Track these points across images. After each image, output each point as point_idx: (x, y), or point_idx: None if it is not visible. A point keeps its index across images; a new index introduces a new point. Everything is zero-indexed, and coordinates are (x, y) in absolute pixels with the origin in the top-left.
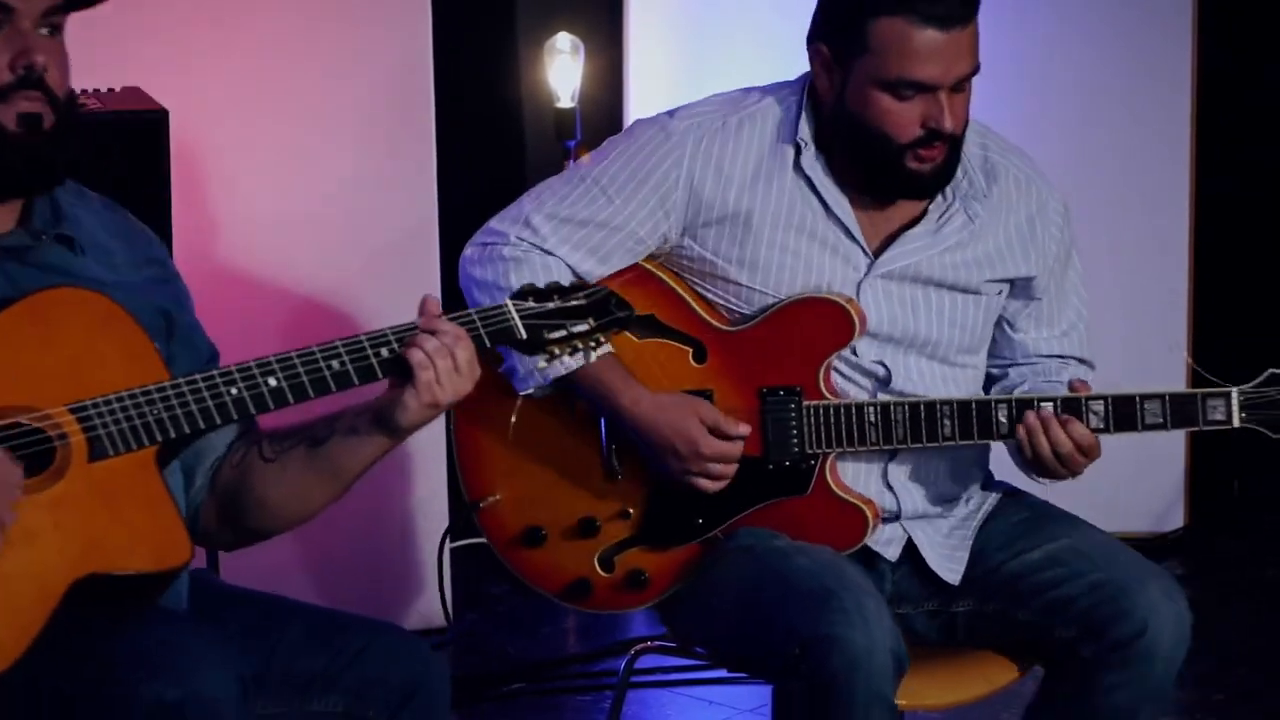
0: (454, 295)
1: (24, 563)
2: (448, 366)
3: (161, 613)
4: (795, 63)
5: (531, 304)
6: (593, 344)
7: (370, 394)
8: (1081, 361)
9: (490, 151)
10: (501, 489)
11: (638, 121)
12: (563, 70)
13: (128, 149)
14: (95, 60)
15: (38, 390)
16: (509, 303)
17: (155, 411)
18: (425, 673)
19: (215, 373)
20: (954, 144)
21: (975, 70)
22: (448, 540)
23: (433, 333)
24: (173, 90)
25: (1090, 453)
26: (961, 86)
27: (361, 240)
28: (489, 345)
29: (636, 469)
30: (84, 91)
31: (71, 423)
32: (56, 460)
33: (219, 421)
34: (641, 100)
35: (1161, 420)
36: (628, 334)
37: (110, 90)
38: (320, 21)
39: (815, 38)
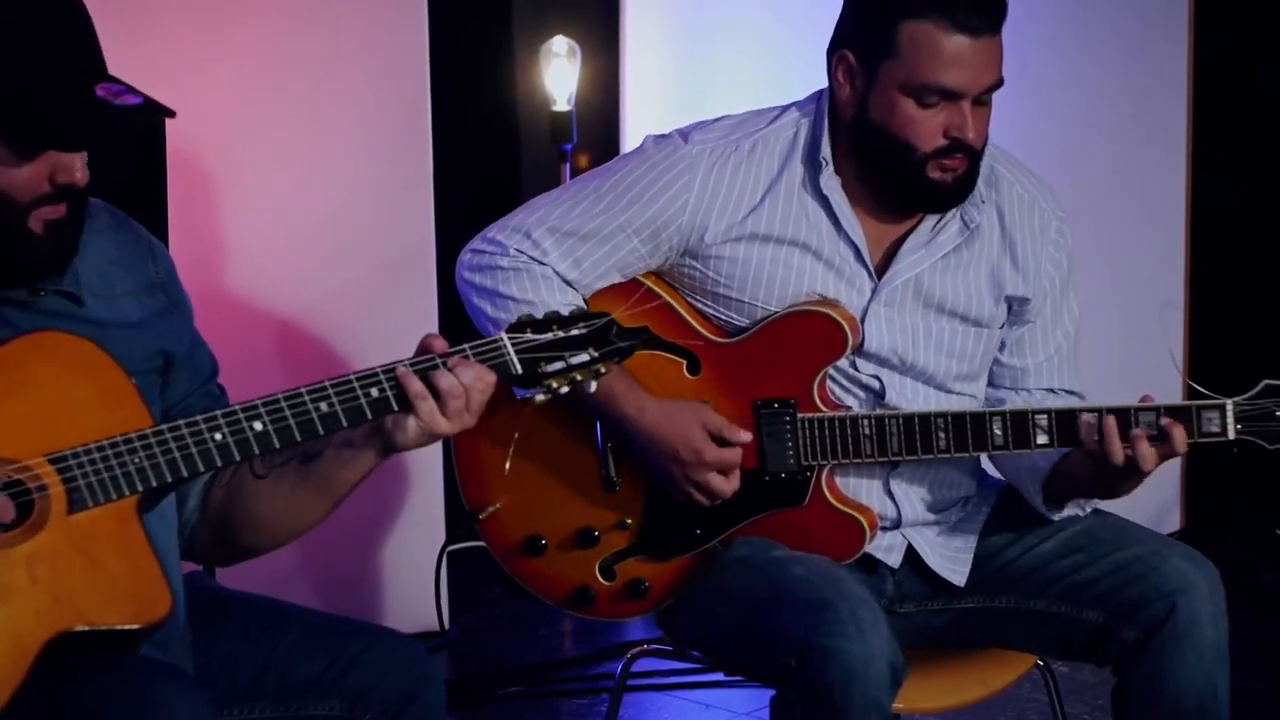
0: (450, 295)
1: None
2: (459, 406)
3: (138, 661)
4: (790, 66)
5: (529, 336)
6: (593, 374)
7: None
8: (1071, 394)
9: (487, 154)
10: (500, 498)
11: (649, 138)
12: (559, 73)
13: (125, 153)
14: None
15: (15, 440)
16: (504, 336)
17: (136, 460)
18: (422, 678)
19: (199, 418)
20: (974, 157)
21: (1000, 83)
22: (445, 545)
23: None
24: (170, 94)
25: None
26: (985, 99)
27: (359, 242)
28: None
29: (634, 479)
30: None
31: (51, 473)
32: (35, 513)
33: (202, 469)
34: (638, 103)
35: (1156, 433)
36: None
37: None
38: (317, 25)
39: (839, 45)
